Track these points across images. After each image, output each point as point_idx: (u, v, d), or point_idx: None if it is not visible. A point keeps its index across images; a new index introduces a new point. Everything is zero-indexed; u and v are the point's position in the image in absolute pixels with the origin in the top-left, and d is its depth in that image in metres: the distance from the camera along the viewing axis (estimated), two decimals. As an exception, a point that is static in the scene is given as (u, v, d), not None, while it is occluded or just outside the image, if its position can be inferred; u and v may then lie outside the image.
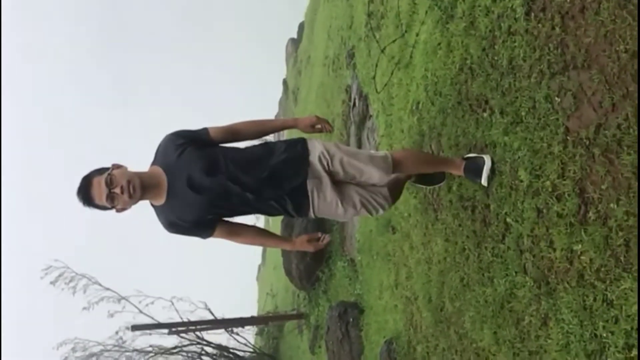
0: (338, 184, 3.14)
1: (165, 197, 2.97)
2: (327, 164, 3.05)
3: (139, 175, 2.93)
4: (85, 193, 2.86)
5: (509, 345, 2.85)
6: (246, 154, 3.08)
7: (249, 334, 14.06)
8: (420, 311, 4.18)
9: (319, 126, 3.22)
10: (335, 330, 6.14)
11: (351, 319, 6.01)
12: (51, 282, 11.24)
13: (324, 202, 3.09)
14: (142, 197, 2.93)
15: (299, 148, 3.08)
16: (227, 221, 3.15)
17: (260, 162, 3.02)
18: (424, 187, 3.93)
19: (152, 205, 3.08)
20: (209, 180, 2.92)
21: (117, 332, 11.46)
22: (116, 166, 2.92)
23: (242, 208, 3.08)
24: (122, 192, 2.82)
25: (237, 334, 12.73)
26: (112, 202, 2.84)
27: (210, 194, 2.93)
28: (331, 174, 3.08)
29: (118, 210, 2.94)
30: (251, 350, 13.67)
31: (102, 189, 2.82)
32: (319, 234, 3.35)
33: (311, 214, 3.14)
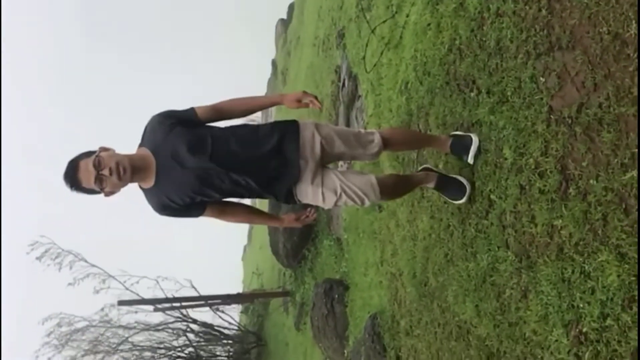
0: (321, 169, 3.14)
1: (155, 178, 2.94)
2: (317, 144, 3.06)
3: (128, 157, 2.90)
4: (73, 177, 2.82)
5: (489, 317, 2.95)
6: (237, 135, 3.04)
7: (234, 312, 14.20)
8: (404, 287, 4.27)
9: (306, 101, 3.14)
10: (321, 307, 6.24)
11: (336, 296, 6.11)
12: (37, 258, 11.25)
13: (306, 185, 3.08)
14: (131, 180, 2.91)
15: (291, 130, 3.08)
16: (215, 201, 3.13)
17: (251, 145, 3.00)
18: (446, 198, 3.55)
19: (141, 188, 3.05)
20: (196, 161, 2.89)
21: (102, 309, 11.54)
22: (103, 149, 2.89)
23: (230, 190, 3.04)
24: (110, 174, 2.78)
25: (223, 312, 12.85)
26: (101, 184, 2.80)
27: (198, 174, 2.91)
28: (319, 155, 3.09)
29: (106, 194, 2.91)
30: (236, 328, 13.81)
31: (89, 172, 2.78)
32: (307, 211, 3.37)
33: (295, 199, 3.14)
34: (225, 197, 3.16)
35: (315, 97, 3.16)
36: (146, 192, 3.03)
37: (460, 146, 3.27)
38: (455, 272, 3.38)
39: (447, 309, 3.49)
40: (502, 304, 2.85)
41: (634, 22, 2.11)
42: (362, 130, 3.31)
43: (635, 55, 2.10)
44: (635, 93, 2.09)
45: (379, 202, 3.34)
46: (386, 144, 3.23)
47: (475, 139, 3.17)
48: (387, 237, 4.87)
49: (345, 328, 5.91)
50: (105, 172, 2.78)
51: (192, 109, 3.05)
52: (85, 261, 11.53)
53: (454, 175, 3.42)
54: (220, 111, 3.10)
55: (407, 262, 4.22)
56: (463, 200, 3.29)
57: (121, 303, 10.27)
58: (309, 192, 3.10)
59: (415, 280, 4.02)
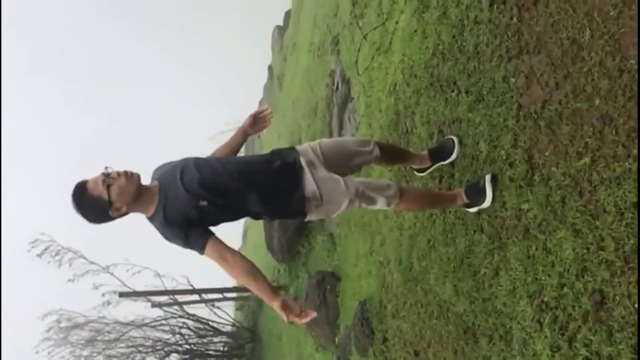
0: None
1: (157, 200, 2.97)
2: (317, 148, 3.22)
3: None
4: (80, 186, 2.88)
5: (466, 295, 3.26)
6: (239, 162, 3.19)
7: (229, 308, 14.48)
8: (391, 273, 4.58)
9: (262, 115, 3.37)
10: (314, 297, 6.53)
11: (328, 286, 6.40)
12: (37, 255, 11.53)
13: (324, 177, 3.08)
14: (137, 200, 2.95)
15: (287, 148, 3.27)
16: (222, 242, 2.97)
17: (255, 166, 3.12)
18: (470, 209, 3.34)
19: (147, 219, 3.06)
20: (201, 173, 2.97)
21: (103, 295, 11.74)
22: None
23: (232, 203, 3.04)
24: (118, 176, 2.87)
25: (218, 308, 13.15)
26: (110, 182, 2.84)
27: (202, 180, 2.95)
28: (322, 156, 3.19)
29: (113, 212, 2.91)
30: (231, 324, 14.09)
31: (97, 178, 2.86)
32: (304, 310, 2.83)
33: (310, 202, 3.05)
34: (227, 213, 3.09)
35: (265, 110, 3.40)
36: (151, 218, 3.03)
37: (443, 150, 3.57)
38: (437, 256, 3.69)
39: (429, 291, 3.79)
40: (477, 283, 3.16)
41: (587, 29, 2.44)
42: (357, 138, 3.52)
43: (589, 57, 2.43)
44: (589, 90, 2.42)
45: (396, 207, 3.23)
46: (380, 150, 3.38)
47: (456, 141, 3.50)
48: (376, 228, 5.18)
49: (336, 317, 6.21)
50: (113, 175, 2.88)
51: None
52: (85, 258, 11.81)
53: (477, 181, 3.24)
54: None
55: (394, 250, 4.54)
56: (485, 204, 3.15)
57: (122, 295, 10.58)
58: (328, 184, 3.06)
59: (401, 267, 4.33)
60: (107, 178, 2.85)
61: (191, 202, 2.91)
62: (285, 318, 2.80)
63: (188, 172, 2.99)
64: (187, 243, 2.91)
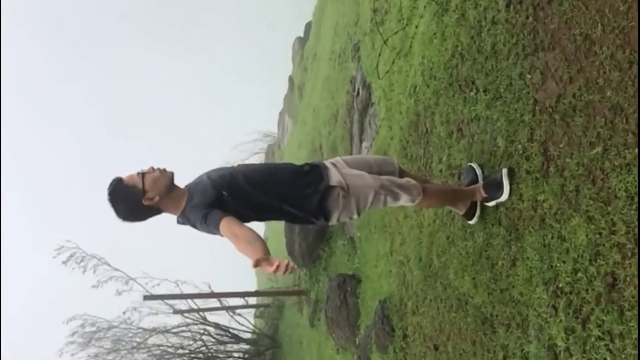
0: None
1: (187, 198, 3.13)
2: (339, 158, 3.44)
3: None
4: (117, 179, 3.08)
5: (484, 287, 3.35)
6: (266, 164, 3.44)
7: (249, 315, 14.60)
8: (411, 271, 4.68)
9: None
10: (335, 299, 6.63)
11: (349, 288, 6.50)
12: (63, 262, 11.74)
13: (348, 172, 3.26)
14: (169, 195, 3.12)
15: (312, 161, 3.45)
16: (237, 221, 2.95)
17: (280, 166, 3.40)
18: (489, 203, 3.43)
19: (178, 218, 3.20)
20: (227, 170, 3.21)
21: (124, 312, 11.98)
22: None
23: (253, 200, 3.15)
24: (153, 170, 3.10)
25: (239, 315, 13.27)
26: (143, 174, 3.06)
27: (228, 176, 3.15)
28: (344, 163, 3.39)
29: (147, 199, 3.06)
30: (251, 331, 14.21)
31: (133, 172, 3.08)
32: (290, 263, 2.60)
33: (336, 193, 3.17)
34: (250, 211, 3.18)
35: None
36: (181, 215, 3.16)
37: (475, 179, 3.57)
38: (456, 251, 3.79)
39: (448, 285, 3.89)
40: (495, 274, 3.25)
41: (599, 24, 2.55)
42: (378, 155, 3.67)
43: (601, 51, 2.54)
44: (601, 83, 2.52)
45: (417, 204, 3.35)
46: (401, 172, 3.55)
47: (474, 165, 3.58)
48: (396, 228, 5.29)
49: (357, 318, 6.30)
50: (149, 170, 3.10)
51: None
52: (109, 265, 12.01)
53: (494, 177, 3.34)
54: None
55: (414, 248, 4.63)
56: (503, 198, 3.23)
57: (146, 298, 10.78)
58: (355, 177, 3.22)
59: (421, 264, 4.43)
60: (142, 171, 3.07)
61: (214, 189, 3.08)
62: (252, 264, 2.60)
63: (214, 171, 3.23)
64: (206, 224, 2.95)
